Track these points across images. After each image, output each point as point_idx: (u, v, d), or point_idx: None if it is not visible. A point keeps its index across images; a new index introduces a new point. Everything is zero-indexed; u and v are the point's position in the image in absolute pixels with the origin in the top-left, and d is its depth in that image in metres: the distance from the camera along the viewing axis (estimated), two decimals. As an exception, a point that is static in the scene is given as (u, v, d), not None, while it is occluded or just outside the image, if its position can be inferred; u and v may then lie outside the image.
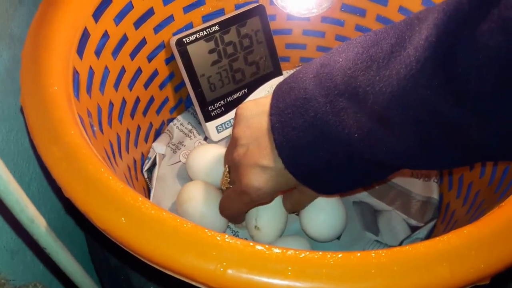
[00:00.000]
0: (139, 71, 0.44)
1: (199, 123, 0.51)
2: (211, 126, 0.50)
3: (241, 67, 0.50)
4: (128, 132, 0.43)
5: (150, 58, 0.46)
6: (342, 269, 0.22)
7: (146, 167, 0.47)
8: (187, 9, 0.47)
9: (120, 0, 0.39)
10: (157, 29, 0.45)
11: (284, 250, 0.23)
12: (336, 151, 0.30)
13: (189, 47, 0.46)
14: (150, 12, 0.43)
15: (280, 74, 0.53)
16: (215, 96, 0.49)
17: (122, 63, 0.41)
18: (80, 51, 0.34)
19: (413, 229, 0.45)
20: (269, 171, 0.33)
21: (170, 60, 0.48)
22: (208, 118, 0.50)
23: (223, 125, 0.50)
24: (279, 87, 0.34)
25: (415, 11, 0.46)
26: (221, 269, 0.22)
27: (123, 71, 0.42)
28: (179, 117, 0.53)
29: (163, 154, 0.49)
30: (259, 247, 0.23)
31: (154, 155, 0.48)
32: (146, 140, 0.48)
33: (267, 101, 0.34)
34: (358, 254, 0.23)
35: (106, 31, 0.38)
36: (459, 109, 0.23)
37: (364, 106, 0.27)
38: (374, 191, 0.47)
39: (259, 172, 0.33)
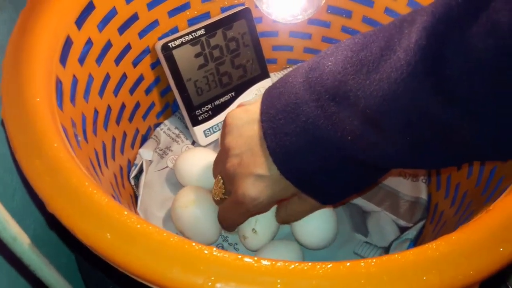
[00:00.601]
0: (124, 77, 0.44)
1: (187, 127, 0.51)
2: (198, 130, 0.49)
3: (228, 71, 0.50)
4: (113, 139, 0.43)
5: (135, 64, 0.45)
6: (332, 280, 0.22)
7: (133, 174, 0.47)
8: (172, 13, 0.46)
9: (104, 6, 0.39)
10: (142, 34, 0.45)
11: (273, 262, 0.22)
12: (329, 154, 0.30)
13: (174, 52, 0.46)
14: (134, 17, 0.43)
15: (268, 76, 0.53)
16: (202, 100, 0.49)
17: (106, 69, 0.41)
18: (63, 59, 0.34)
19: (402, 229, 0.45)
20: (265, 180, 0.33)
21: (155, 64, 0.48)
22: (196, 122, 0.49)
23: (211, 129, 0.50)
24: (268, 93, 0.34)
25: (401, 12, 0.46)
26: (210, 284, 0.22)
27: (107, 77, 0.41)
28: (166, 122, 0.52)
29: (150, 160, 0.49)
30: (247, 259, 0.22)
31: (141, 162, 0.48)
32: (132, 146, 0.48)
33: (257, 108, 0.34)
34: (348, 264, 0.23)
35: (89, 38, 0.38)
36: (451, 111, 0.23)
37: (355, 110, 0.27)
38: (363, 192, 0.47)
39: (255, 182, 0.33)
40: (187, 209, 0.41)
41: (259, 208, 0.35)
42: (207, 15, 0.49)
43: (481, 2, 0.22)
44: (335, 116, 0.29)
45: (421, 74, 0.24)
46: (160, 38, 0.47)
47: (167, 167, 0.49)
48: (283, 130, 0.31)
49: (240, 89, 0.51)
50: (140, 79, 0.47)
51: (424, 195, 0.47)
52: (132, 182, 0.47)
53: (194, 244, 0.23)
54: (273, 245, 0.41)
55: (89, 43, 0.38)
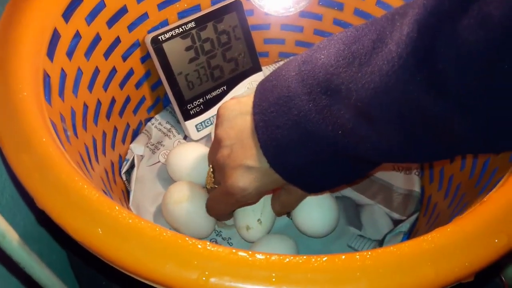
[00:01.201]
0: (113, 71, 0.43)
1: (178, 121, 0.50)
2: (190, 124, 0.49)
3: (219, 64, 0.49)
4: (104, 134, 0.42)
5: (125, 57, 0.44)
6: (327, 273, 0.22)
7: (124, 169, 0.46)
8: (162, 5, 0.46)
9: (91, -1, 0.38)
10: (131, 27, 0.44)
11: (268, 256, 0.22)
12: (320, 148, 0.30)
13: (165, 45, 0.45)
14: (123, 10, 0.42)
15: (260, 70, 0.52)
16: (194, 94, 0.49)
17: (95, 63, 0.40)
18: (51, 53, 0.33)
19: (396, 222, 0.45)
20: (254, 171, 0.33)
21: (145, 58, 0.47)
22: (187, 116, 0.49)
23: (202, 123, 0.50)
24: (261, 85, 0.34)
25: (393, 4, 0.46)
26: (204, 278, 0.21)
27: (97, 71, 0.40)
28: (157, 116, 0.52)
29: (141, 155, 0.48)
30: (241, 253, 0.22)
31: (132, 157, 0.47)
32: (123, 141, 0.47)
33: (250, 100, 0.34)
34: (343, 257, 0.22)
35: (77, 31, 0.37)
36: (442, 104, 0.23)
37: (347, 103, 0.27)
38: (356, 185, 0.47)
39: (244, 173, 0.33)
40: (179, 205, 0.40)
41: (248, 199, 0.35)
42: (197, 8, 0.49)
43: None
44: (327, 109, 0.28)
45: (413, 66, 0.24)
46: (149, 31, 0.46)
47: (159, 162, 0.48)
48: (275, 123, 0.31)
49: (232, 83, 0.51)
50: (130, 73, 0.46)
51: (417, 188, 0.47)
52: (124, 178, 0.46)
53: (187, 238, 0.23)
54: (267, 239, 0.41)
55: (77, 36, 0.37)
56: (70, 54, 0.36)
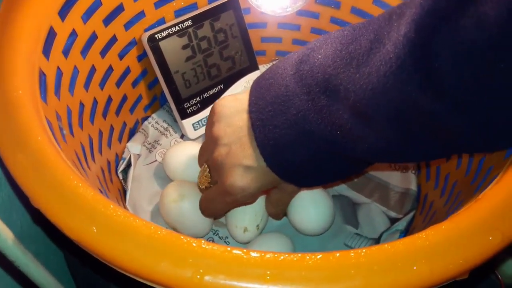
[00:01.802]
0: (110, 69, 0.43)
1: (175, 120, 0.50)
2: (187, 123, 0.49)
3: (216, 63, 0.49)
4: (100, 133, 0.42)
5: (121, 56, 0.44)
6: (322, 271, 0.22)
7: (121, 168, 0.46)
8: (159, 4, 0.46)
9: (88, -3, 0.38)
10: (128, 25, 0.44)
11: (263, 254, 0.22)
12: (318, 148, 0.30)
13: (161, 43, 0.45)
14: (119, 8, 0.42)
15: (257, 68, 0.52)
16: (191, 93, 0.48)
17: (92, 62, 0.40)
18: (47, 51, 0.33)
19: (393, 221, 0.45)
20: (253, 171, 0.33)
21: (142, 57, 0.47)
22: (184, 115, 0.49)
23: (199, 122, 0.50)
24: (257, 83, 0.34)
25: (389, 2, 0.46)
26: (198, 276, 0.21)
27: (93, 70, 0.40)
28: (154, 115, 0.52)
29: (138, 154, 0.48)
30: (236, 251, 0.22)
31: (129, 155, 0.47)
32: (120, 140, 0.47)
33: (246, 97, 0.34)
34: (337, 255, 0.22)
35: (74, 29, 0.37)
36: (440, 104, 0.23)
37: (345, 103, 0.27)
38: (353, 184, 0.47)
39: (243, 173, 0.33)
40: (176, 204, 0.40)
41: (247, 199, 0.35)
42: (194, 6, 0.48)
43: None
44: (326, 109, 0.29)
45: (410, 67, 0.24)
46: (146, 30, 0.46)
47: (155, 161, 0.48)
48: (273, 122, 0.31)
49: (229, 81, 0.51)
50: (127, 71, 0.46)
51: (413, 186, 0.47)
52: (120, 176, 0.46)
53: (182, 237, 0.23)
54: (264, 238, 0.41)
55: (73, 34, 0.37)
56: (66, 52, 0.36)
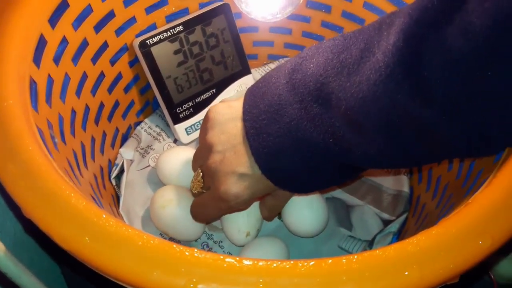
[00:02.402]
0: (102, 75, 0.43)
1: (168, 125, 0.50)
2: (180, 128, 0.49)
3: (208, 67, 0.49)
4: (93, 140, 0.42)
5: (113, 62, 0.44)
6: (314, 277, 0.22)
7: (114, 174, 0.46)
8: (150, 9, 0.46)
9: (78, 4, 0.38)
10: (119, 31, 0.44)
11: (255, 262, 0.22)
12: (312, 155, 0.30)
13: (153, 49, 0.45)
14: (110, 15, 0.42)
15: (249, 72, 0.52)
16: (183, 98, 0.48)
17: (83, 68, 0.40)
18: (37, 59, 0.33)
19: (386, 223, 0.45)
20: (247, 179, 0.33)
21: (134, 62, 0.47)
22: (177, 120, 0.49)
23: (192, 126, 0.50)
24: (250, 92, 0.34)
25: (379, 6, 0.46)
26: (191, 285, 0.21)
27: (84, 77, 0.40)
28: (146, 120, 0.52)
29: (131, 160, 0.48)
30: (229, 260, 0.22)
31: (121, 161, 0.47)
32: (112, 146, 0.47)
33: (240, 105, 0.34)
34: (330, 261, 0.23)
35: (64, 36, 0.37)
36: (429, 111, 0.24)
37: (337, 111, 0.28)
38: (346, 186, 0.47)
39: (238, 180, 0.33)
40: (165, 209, 0.40)
41: (240, 205, 0.35)
42: (185, 11, 0.49)
43: (455, 3, 0.22)
44: (318, 117, 0.29)
45: (399, 75, 0.24)
46: (137, 35, 0.46)
47: (149, 166, 0.48)
48: (266, 131, 0.31)
49: (221, 86, 0.51)
50: (119, 77, 0.46)
51: (406, 188, 0.47)
52: (114, 182, 0.46)
53: (175, 246, 0.23)
54: (258, 242, 0.41)
55: (64, 42, 0.37)
56: (57, 60, 0.36)
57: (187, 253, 0.22)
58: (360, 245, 0.44)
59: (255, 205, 0.42)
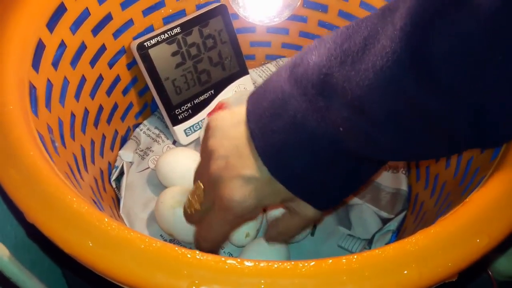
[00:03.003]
0: (100, 78, 0.43)
1: (167, 127, 0.51)
2: (179, 129, 0.49)
3: (206, 68, 0.50)
4: (92, 143, 0.42)
5: (111, 65, 0.45)
6: (315, 278, 0.22)
7: (114, 177, 0.46)
8: (147, 12, 0.46)
9: (76, 8, 0.38)
10: (117, 34, 0.44)
11: (257, 263, 0.23)
12: (322, 149, 0.29)
13: (151, 51, 0.45)
14: (108, 18, 0.42)
15: (247, 73, 0.52)
16: (182, 99, 0.49)
17: (82, 72, 0.40)
18: (36, 64, 0.33)
19: (384, 221, 0.45)
20: (254, 181, 0.30)
21: (132, 64, 0.47)
22: (176, 121, 0.49)
23: (191, 128, 0.50)
24: (252, 93, 0.32)
25: (376, 6, 0.46)
26: (193, 287, 0.22)
27: (83, 80, 0.40)
28: (145, 122, 0.52)
29: (130, 162, 0.48)
30: (230, 261, 0.22)
31: (121, 164, 0.47)
32: (112, 148, 0.47)
33: (242, 110, 0.32)
34: (330, 261, 0.23)
35: (62, 40, 0.37)
36: (436, 97, 0.23)
37: (343, 101, 0.27)
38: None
39: (243, 184, 0.30)
40: (173, 210, 0.40)
41: (248, 213, 0.32)
42: (182, 13, 0.49)
43: None
44: (324, 109, 0.28)
45: (406, 60, 0.23)
46: (135, 38, 0.46)
47: (148, 168, 0.48)
48: (271, 128, 0.29)
49: (219, 87, 0.51)
50: (117, 80, 0.46)
51: (404, 187, 0.47)
52: (114, 185, 0.46)
53: (177, 248, 0.23)
54: (259, 243, 0.41)
55: (62, 46, 0.37)
56: (55, 64, 0.36)
57: (189, 255, 0.22)
58: (359, 243, 0.44)
59: None
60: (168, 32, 0.46)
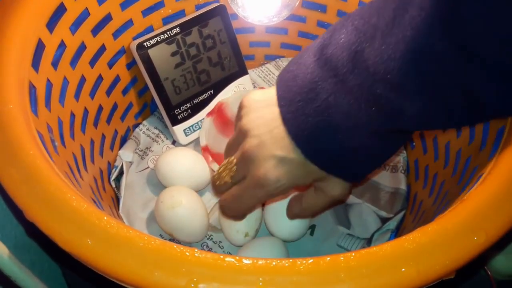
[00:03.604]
0: (100, 78, 0.43)
1: (166, 127, 0.51)
2: (178, 129, 0.49)
3: (205, 68, 0.50)
4: (92, 142, 0.42)
5: (110, 65, 0.45)
6: (312, 275, 0.22)
7: (113, 176, 0.46)
8: (146, 12, 0.46)
9: (75, 8, 0.38)
10: (116, 34, 0.44)
11: (255, 261, 0.23)
12: (354, 130, 0.29)
13: (150, 51, 0.46)
14: (108, 18, 0.42)
15: (246, 73, 0.53)
16: (181, 99, 0.49)
17: (81, 72, 0.40)
18: (36, 64, 0.33)
19: (384, 220, 0.46)
20: (287, 163, 0.31)
21: (131, 65, 0.47)
22: (175, 121, 0.49)
23: (190, 128, 0.50)
24: (281, 78, 0.33)
25: (374, 5, 0.46)
26: (192, 285, 0.22)
27: (83, 80, 0.41)
28: (144, 122, 0.52)
29: (130, 162, 0.48)
30: (229, 259, 0.23)
31: (121, 163, 0.47)
32: (112, 148, 0.47)
33: (274, 92, 0.33)
34: (328, 259, 0.23)
35: (62, 40, 0.37)
36: (471, 65, 0.23)
37: (376, 78, 0.27)
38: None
39: (277, 164, 0.31)
40: (174, 210, 0.40)
41: (280, 191, 0.33)
42: (182, 13, 0.49)
43: None
44: (356, 88, 0.28)
45: (438, 30, 0.23)
46: (135, 38, 0.46)
47: (148, 167, 0.48)
48: (304, 112, 0.30)
49: (218, 87, 0.51)
50: (117, 80, 0.46)
51: (403, 186, 0.47)
52: (113, 184, 0.46)
53: (175, 246, 0.23)
54: (257, 242, 0.42)
55: (62, 46, 0.37)
56: (55, 64, 0.36)
57: (187, 253, 0.23)
58: (358, 243, 0.44)
59: None
60: (168, 32, 0.46)
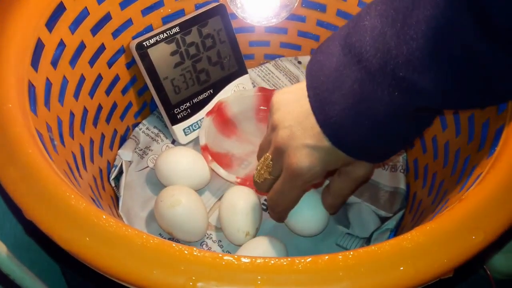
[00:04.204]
0: (99, 78, 0.43)
1: (166, 126, 0.51)
2: (178, 129, 0.49)
3: (205, 68, 0.50)
4: (91, 142, 0.42)
5: (110, 64, 0.45)
6: (311, 274, 0.22)
7: (113, 176, 0.46)
8: (146, 11, 0.46)
9: (75, 7, 0.38)
10: (116, 33, 0.44)
11: (253, 259, 0.23)
12: (380, 115, 0.30)
13: (150, 51, 0.46)
14: (107, 17, 0.42)
15: (245, 72, 0.53)
16: (180, 99, 0.49)
17: (81, 71, 0.40)
18: (35, 63, 0.33)
19: (383, 220, 0.46)
20: (318, 150, 0.33)
21: (131, 64, 0.47)
22: (175, 121, 0.49)
23: (190, 127, 0.50)
24: (309, 68, 0.33)
25: (373, 5, 0.46)
26: (191, 283, 0.22)
27: (82, 79, 0.41)
28: (144, 121, 0.52)
29: (129, 161, 0.48)
30: (227, 258, 0.23)
31: (120, 163, 0.47)
32: (111, 147, 0.47)
33: (302, 86, 0.34)
34: (326, 257, 0.23)
35: (61, 40, 0.37)
36: (490, 45, 0.23)
37: (399, 61, 0.27)
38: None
39: (309, 152, 0.33)
40: (174, 209, 0.41)
41: (315, 178, 0.34)
42: (181, 13, 0.49)
43: None
44: (380, 73, 0.28)
45: (458, 8, 0.23)
46: (134, 37, 0.46)
47: (147, 167, 0.48)
48: (331, 100, 0.31)
49: (218, 86, 0.51)
50: (116, 79, 0.46)
51: (402, 185, 0.47)
52: (113, 184, 0.46)
53: (174, 245, 0.23)
54: (256, 242, 0.41)
55: (61, 45, 0.37)
56: (54, 63, 0.36)
57: (186, 252, 0.23)
58: (357, 242, 0.44)
59: (256, 205, 0.42)
60: (167, 32, 0.46)
